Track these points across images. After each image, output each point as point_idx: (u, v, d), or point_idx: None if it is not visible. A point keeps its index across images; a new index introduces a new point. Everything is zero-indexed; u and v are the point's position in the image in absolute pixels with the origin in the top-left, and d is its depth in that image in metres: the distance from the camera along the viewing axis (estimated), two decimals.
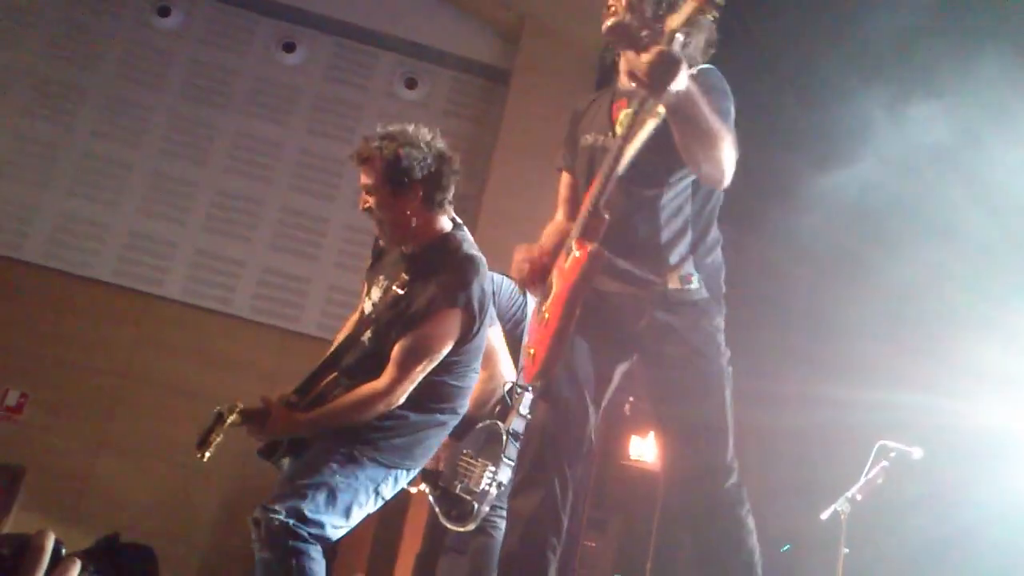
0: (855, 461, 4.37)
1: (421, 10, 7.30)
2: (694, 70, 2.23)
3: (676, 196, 2.46)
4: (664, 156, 2.36)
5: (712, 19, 2.15)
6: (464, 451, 3.31)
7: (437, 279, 2.83)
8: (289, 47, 7.23)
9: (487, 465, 3.25)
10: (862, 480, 4.24)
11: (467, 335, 2.89)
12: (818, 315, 5.14)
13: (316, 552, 2.69)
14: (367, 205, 2.89)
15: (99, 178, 6.87)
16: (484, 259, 2.95)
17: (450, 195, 2.93)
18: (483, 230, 6.14)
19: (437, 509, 3.35)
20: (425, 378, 2.85)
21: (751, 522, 2.42)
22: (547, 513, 2.47)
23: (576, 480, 2.54)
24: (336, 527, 2.76)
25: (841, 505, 4.21)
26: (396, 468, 2.87)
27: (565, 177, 2.73)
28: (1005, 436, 4.63)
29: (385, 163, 2.82)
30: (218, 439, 2.84)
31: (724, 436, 2.42)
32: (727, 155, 2.28)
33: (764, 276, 4.58)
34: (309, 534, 2.67)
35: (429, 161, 2.84)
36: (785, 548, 4.95)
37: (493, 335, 3.38)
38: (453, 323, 2.83)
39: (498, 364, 3.44)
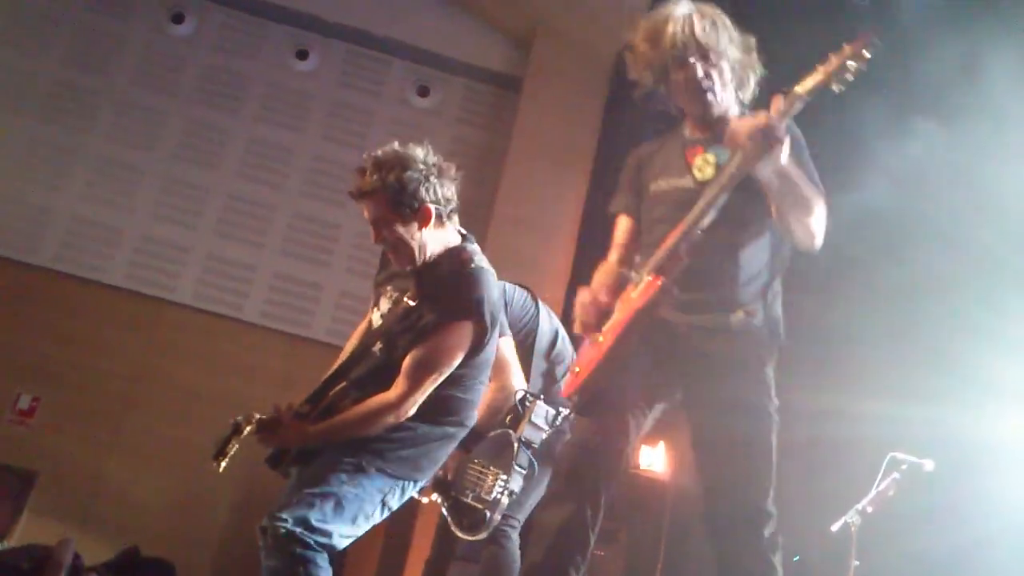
0: (866, 473, 4.35)
1: (433, 17, 7.32)
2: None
3: (757, 239, 2.50)
4: (751, 203, 2.41)
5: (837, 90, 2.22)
6: (475, 460, 3.31)
7: (448, 292, 2.83)
8: (302, 54, 7.25)
9: (499, 474, 3.25)
10: (873, 492, 4.22)
11: (478, 347, 2.88)
12: (827, 326, 5.12)
13: (323, 560, 2.69)
14: (380, 238, 2.88)
15: (112, 182, 6.90)
16: (493, 271, 2.96)
17: (455, 204, 2.94)
18: (494, 237, 6.15)
19: (449, 518, 3.34)
20: (434, 391, 2.85)
21: (779, 563, 2.39)
22: (576, 529, 2.47)
23: (609, 499, 2.54)
24: (343, 536, 2.76)
25: (852, 517, 4.19)
26: (403, 479, 2.87)
27: (624, 221, 2.75)
28: (1016, 448, 4.60)
29: (391, 194, 2.80)
30: (234, 449, 2.86)
31: (766, 484, 2.40)
32: (818, 221, 2.38)
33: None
34: (316, 542, 2.67)
35: (432, 179, 2.84)
36: (795, 559, 4.93)
37: (504, 345, 3.37)
38: (464, 335, 2.82)
39: (510, 375, 3.43)
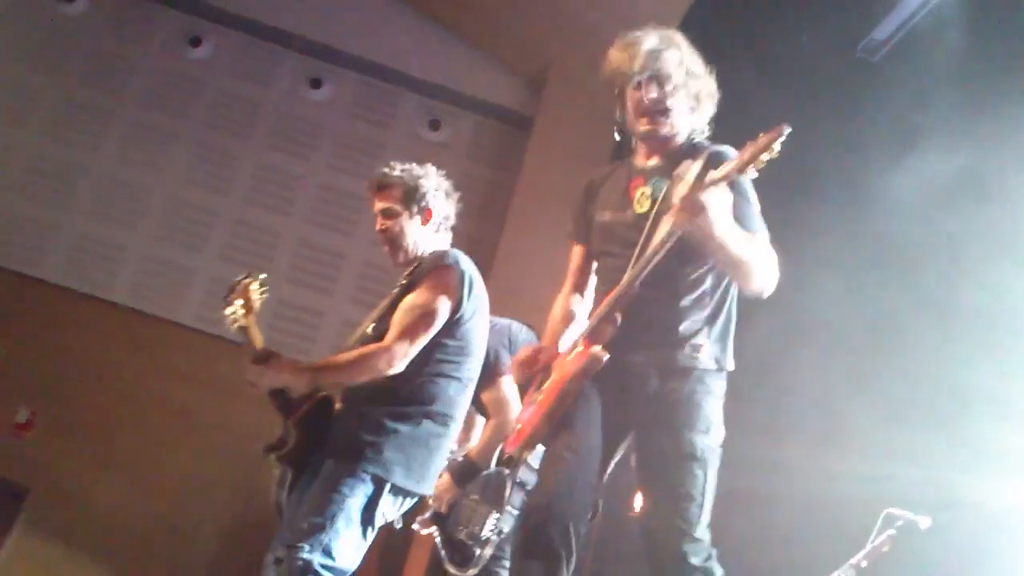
0: (859, 530, 4.32)
1: (448, 53, 7.41)
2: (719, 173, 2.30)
3: (697, 272, 2.51)
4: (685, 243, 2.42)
5: (754, 173, 2.25)
6: (470, 496, 3.31)
7: (428, 261, 3.07)
8: (316, 83, 7.32)
9: (491, 511, 3.25)
10: (867, 547, 4.19)
11: (460, 294, 2.98)
12: (825, 383, 5.12)
13: None
14: (384, 226, 3.16)
15: (120, 201, 6.94)
16: (473, 265, 3.14)
17: (452, 223, 3.26)
18: (499, 273, 6.17)
19: (442, 553, 3.34)
20: (419, 376, 2.91)
21: None
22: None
23: (580, 543, 2.52)
24: (356, 551, 2.81)
25: (846, 572, 4.16)
26: (399, 487, 2.88)
27: (577, 249, 2.82)
28: (1011, 515, 4.57)
29: (406, 189, 3.16)
30: (240, 300, 3.06)
31: (694, 507, 2.38)
32: (761, 278, 2.40)
33: (766, 346, 4.58)
34: (331, 571, 2.71)
35: (440, 192, 3.21)
36: None
37: (505, 383, 3.40)
38: (447, 279, 2.98)
39: (509, 412, 3.45)
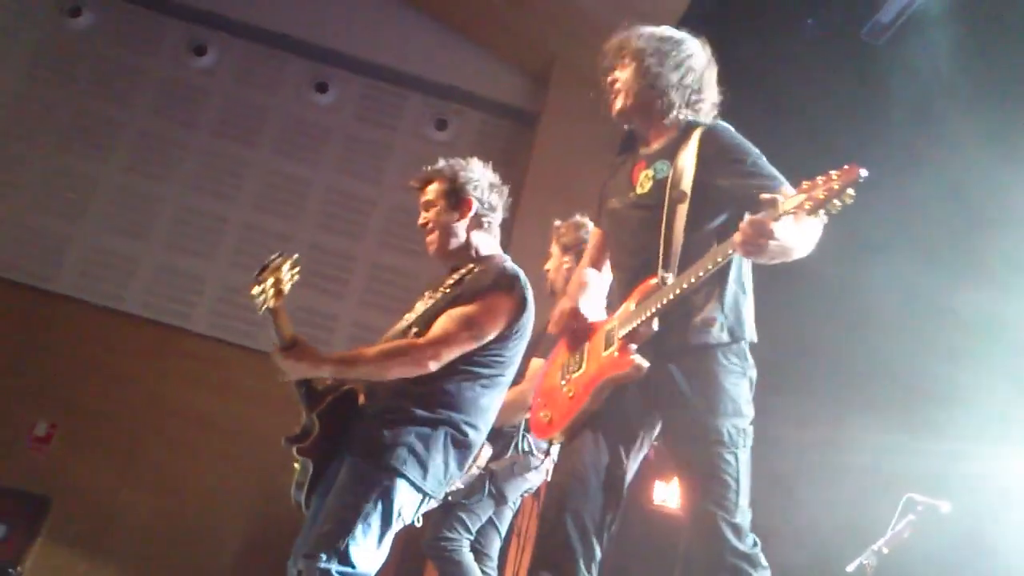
0: (881, 510, 4.32)
1: (451, 52, 7.40)
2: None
3: (706, 246, 2.44)
4: (700, 210, 2.46)
5: (824, 218, 2.13)
6: None
7: (489, 275, 2.94)
8: (322, 87, 7.34)
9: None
10: (889, 533, 4.18)
11: (513, 323, 2.90)
12: (846, 359, 5.12)
13: None
14: (424, 220, 3.12)
15: (130, 212, 6.98)
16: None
17: (497, 218, 3.15)
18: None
19: None
20: (451, 381, 2.83)
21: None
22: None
23: (607, 537, 2.51)
24: (377, 554, 2.74)
25: (868, 558, 4.15)
26: (420, 491, 2.80)
27: (595, 231, 2.92)
28: None
29: (446, 181, 3.11)
30: (272, 279, 2.88)
31: (731, 493, 2.34)
32: (807, 246, 2.33)
33: (792, 320, 4.58)
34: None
35: (483, 183, 3.13)
36: None
37: (535, 366, 3.49)
38: (504, 306, 2.87)
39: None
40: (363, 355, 2.85)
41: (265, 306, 2.89)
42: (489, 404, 2.93)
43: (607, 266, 2.84)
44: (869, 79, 4.90)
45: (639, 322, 2.42)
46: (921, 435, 4.63)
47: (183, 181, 7.09)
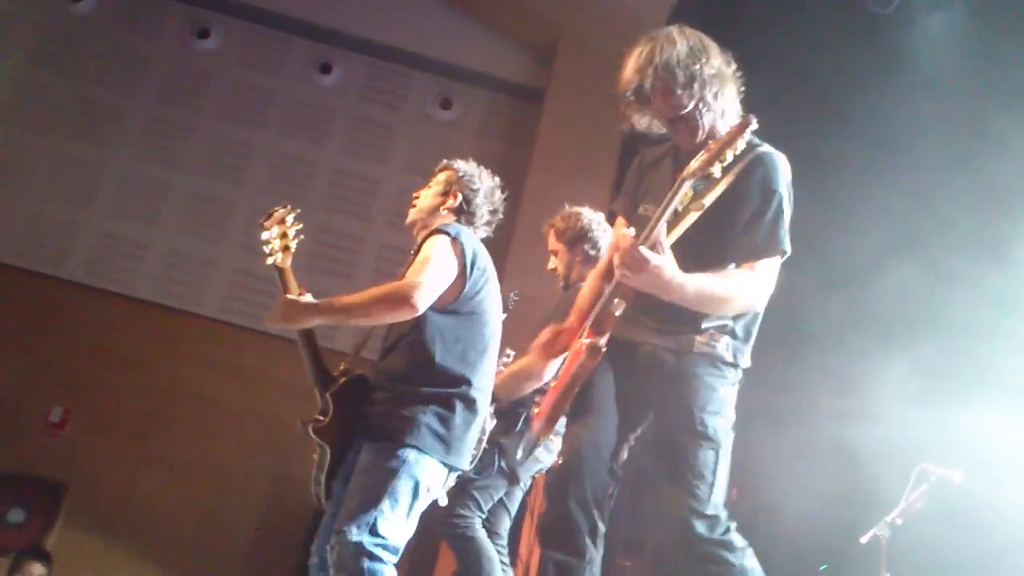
0: (894, 481, 4.33)
1: (455, 31, 7.36)
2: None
3: (718, 269, 2.48)
4: (710, 236, 2.45)
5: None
6: None
7: (429, 231, 3.09)
8: (325, 68, 7.31)
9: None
10: (902, 504, 4.19)
11: (464, 265, 3.00)
12: (853, 328, 5.11)
13: (391, 572, 2.77)
14: (414, 201, 3.31)
15: (139, 198, 6.99)
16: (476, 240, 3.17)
17: (486, 219, 3.31)
18: (517, 250, 6.17)
19: None
20: (448, 353, 2.94)
21: (741, 557, 2.37)
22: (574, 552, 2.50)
23: (606, 512, 2.57)
24: (406, 527, 2.84)
25: (881, 529, 4.16)
26: (444, 464, 2.92)
27: (620, 223, 2.79)
28: None
29: (445, 172, 3.34)
30: (278, 229, 3.08)
31: (704, 486, 2.39)
32: (737, 305, 2.44)
33: (800, 297, 4.57)
34: (383, 550, 2.73)
35: (479, 185, 3.29)
36: (823, 568, 4.90)
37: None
38: (449, 247, 2.98)
39: (547, 365, 3.44)
40: (350, 299, 2.98)
41: (273, 259, 3.06)
42: (485, 364, 3.05)
43: None
44: (878, 47, 4.86)
45: (601, 309, 2.45)
46: (934, 406, 4.63)
47: (189, 165, 7.09)
